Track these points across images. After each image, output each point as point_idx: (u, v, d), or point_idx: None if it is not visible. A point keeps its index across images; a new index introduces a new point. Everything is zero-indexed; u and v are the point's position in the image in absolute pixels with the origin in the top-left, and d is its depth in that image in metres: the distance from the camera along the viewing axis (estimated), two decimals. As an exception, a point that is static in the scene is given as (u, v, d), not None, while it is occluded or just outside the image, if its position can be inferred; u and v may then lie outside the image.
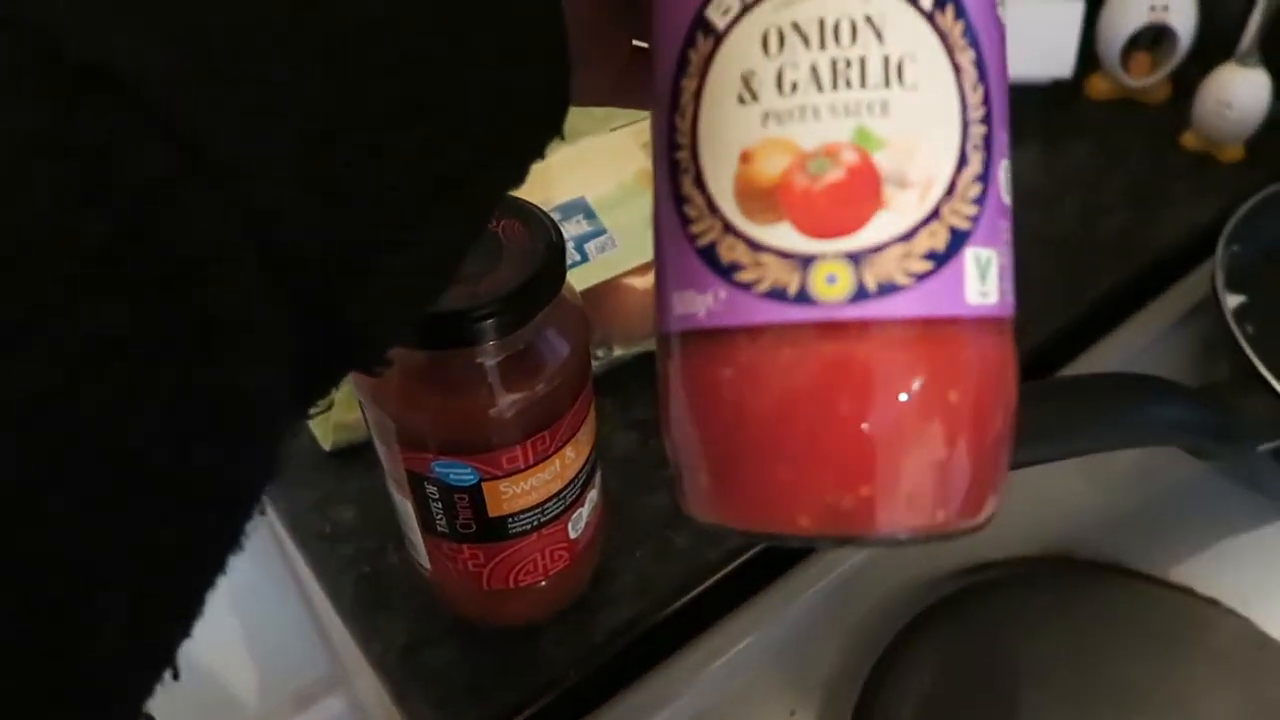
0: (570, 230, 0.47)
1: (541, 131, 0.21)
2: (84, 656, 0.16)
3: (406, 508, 0.36)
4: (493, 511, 0.35)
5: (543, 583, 0.39)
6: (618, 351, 0.50)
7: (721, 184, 0.19)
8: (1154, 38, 0.68)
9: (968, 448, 0.20)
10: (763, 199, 0.19)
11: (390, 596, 0.44)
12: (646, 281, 0.48)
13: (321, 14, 0.16)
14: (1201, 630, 0.42)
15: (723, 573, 0.44)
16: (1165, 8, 0.65)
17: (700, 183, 0.20)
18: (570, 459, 0.36)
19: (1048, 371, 0.53)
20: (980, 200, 0.20)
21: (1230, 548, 0.46)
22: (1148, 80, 0.68)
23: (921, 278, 0.19)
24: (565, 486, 0.36)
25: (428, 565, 0.39)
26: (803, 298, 0.19)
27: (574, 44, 0.21)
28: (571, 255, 0.47)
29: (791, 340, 0.19)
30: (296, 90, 0.16)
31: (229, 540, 0.18)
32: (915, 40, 0.19)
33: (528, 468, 0.34)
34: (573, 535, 0.38)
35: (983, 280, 0.20)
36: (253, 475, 0.18)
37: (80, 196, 0.14)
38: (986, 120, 0.20)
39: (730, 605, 0.44)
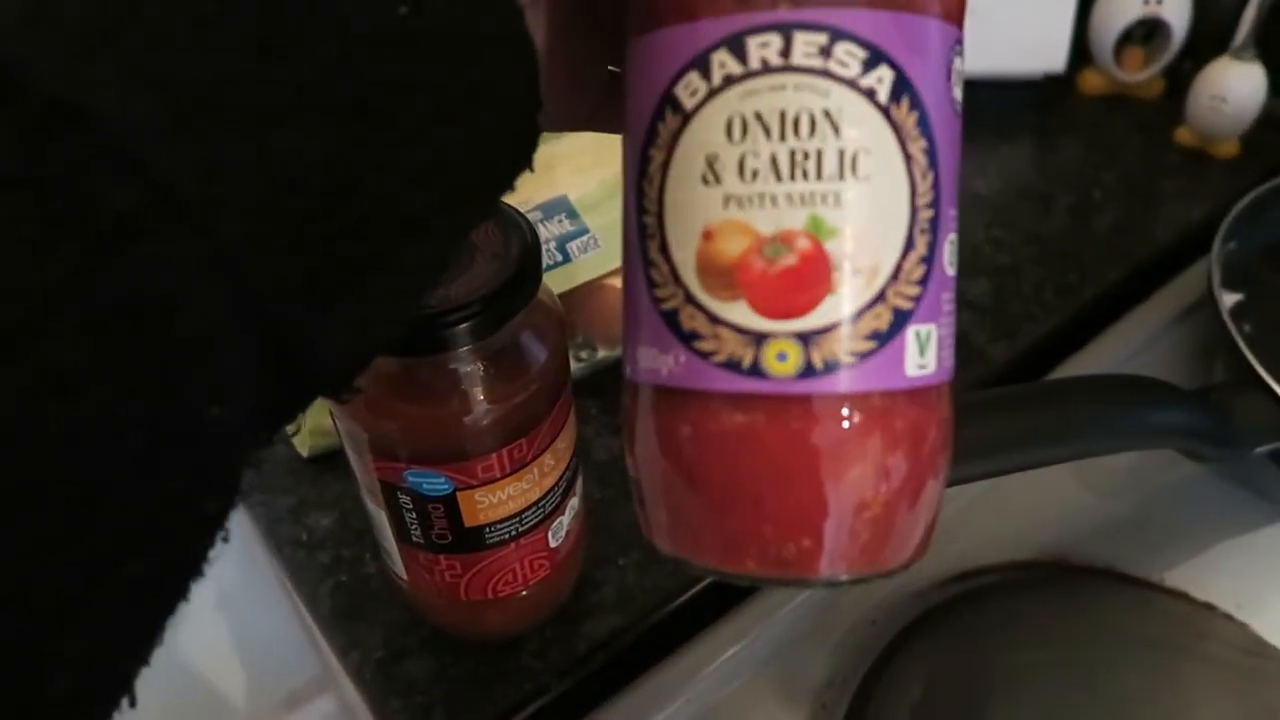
0: (552, 230, 0.46)
1: (511, 169, 0.21)
2: (42, 692, 0.16)
3: (381, 517, 0.35)
4: (469, 521, 0.34)
5: (523, 593, 0.38)
6: (601, 353, 0.49)
7: (685, 256, 0.21)
8: (1147, 32, 0.67)
9: (902, 503, 0.22)
10: (722, 276, 0.20)
11: (368, 606, 0.43)
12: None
13: (290, 59, 0.16)
14: (1197, 636, 0.41)
15: (708, 581, 0.43)
16: (1159, 1, 0.64)
17: (665, 251, 0.21)
18: (549, 466, 0.34)
19: (1041, 373, 0.52)
20: (924, 281, 0.21)
21: (1227, 551, 0.45)
22: (1141, 75, 0.68)
23: (864, 356, 0.20)
24: (545, 495, 0.35)
25: (404, 575, 0.38)
26: (755, 371, 0.20)
27: (549, 75, 0.20)
28: (553, 256, 0.46)
29: (744, 408, 0.21)
30: (264, 132, 0.16)
31: (191, 568, 0.18)
32: (870, 134, 0.20)
33: (504, 476, 0.33)
34: (553, 544, 0.37)
35: (922, 354, 0.22)
36: (217, 506, 0.18)
37: (44, 230, 0.14)
38: (934, 204, 0.21)
39: (716, 615, 0.43)
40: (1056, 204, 0.62)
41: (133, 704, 0.17)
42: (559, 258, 0.46)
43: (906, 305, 0.21)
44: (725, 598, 0.43)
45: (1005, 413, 0.38)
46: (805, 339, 0.20)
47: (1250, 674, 0.40)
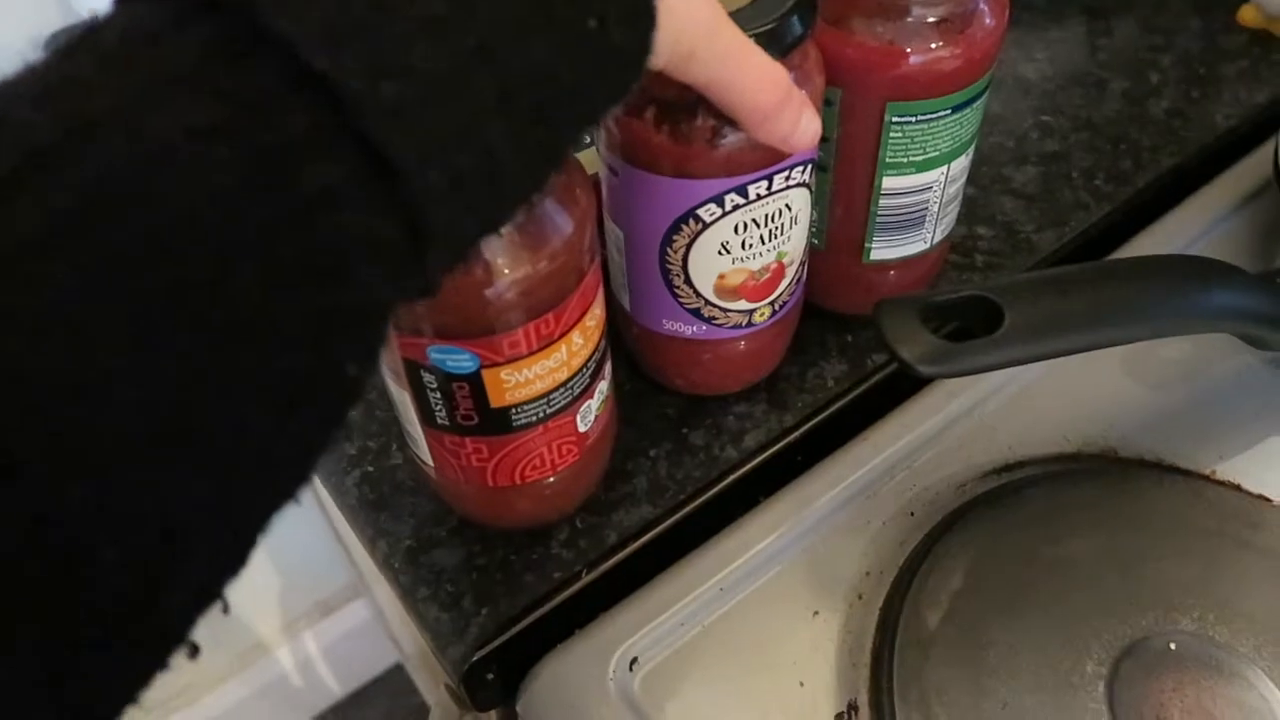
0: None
1: (623, 90, 0.25)
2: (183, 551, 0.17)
3: (405, 399, 0.34)
4: (495, 402, 0.33)
5: (551, 479, 0.37)
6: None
7: (704, 285, 0.38)
8: (1214, -98, 0.63)
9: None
10: (730, 292, 0.38)
11: (395, 496, 0.42)
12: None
13: (478, 17, 0.19)
14: (1250, 526, 0.40)
15: (741, 472, 0.42)
16: None
17: (689, 282, 0.38)
18: (578, 345, 0.33)
19: (1095, 257, 0.50)
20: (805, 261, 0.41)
21: (1278, 444, 0.43)
22: (1205, -50, 0.63)
23: (789, 299, 0.41)
24: (573, 376, 0.34)
25: (430, 462, 0.37)
26: (750, 325, 0.40)
27: None
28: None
29: (745, 340, 0.41)
30: (470, 124, 0.19)
31: (322, 438, 0.20)
32: (803, 203, 0.37)
33: (531, 353, 0.32)
34: (582, 429, 0.36)
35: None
36: (356, 369, 0.19)
37: (259, 177, 0.17)
38: None
39: (749, 505, 0.42)
40: (1110, 89, 0.58)
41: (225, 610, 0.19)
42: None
43: (801, 272, 0.41)
44: (758, 488, 0.42)
45: (1054, 293, 0.36)
46: (773, 304, 0.40)
47: (1307, 565, 0.38)
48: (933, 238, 0.43)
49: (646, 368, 0.44)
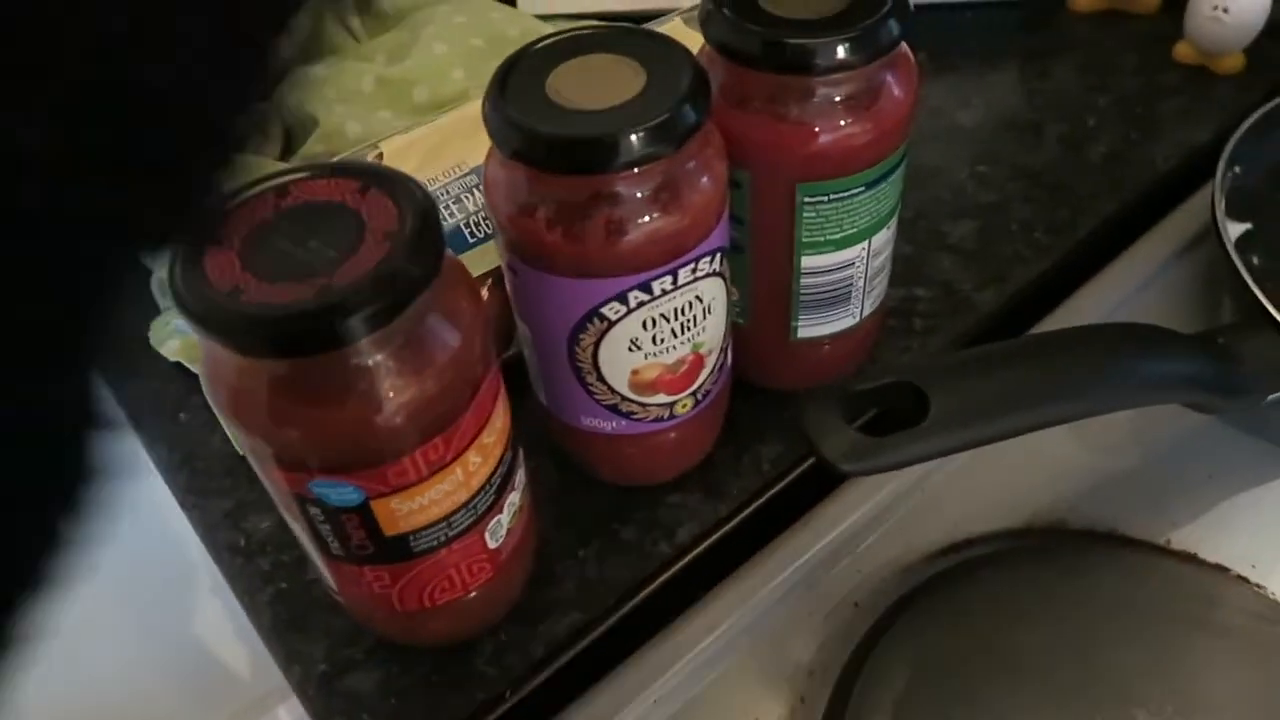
0: (476, 202, 0.42)
1: None
2: None
3: (298, 529, 0.32)
4: (389, 530, 0.31)
5: (467, 597, 0.35)
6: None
7: (619, 382, 0.36)
8: (1140, -60, 0.62)
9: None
10: (647, 387, 0.36)
11: (311, 615, 0.39)
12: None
13: None
14: (1207, 604, 0.38)
15: (676, 568, 0.40)
16: (1151, -95, 0.59)
17: (602, 378, 0.36)
18: (475, 464, 0.31)
19: (1032, 320, 0.48)
20: (729, 346, 0.39)
21: (1239, 507, 0.41)
22: (1135, -12, 0.63)
23: (711, 389, 0.39)
24: (474, 496, 0.32)
25: (335, 588, 0.34)
26: (671, 418, 0.38)
27: None
28: (478, 231, 0.42)
29: (662, 433, 0.39)
30: None
31: None
32: (716, 293, 0.36)
33: (421, 480, 0.30)
34: (492, 545, 0.34)
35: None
36: None
37: None
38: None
39: (687, 602, 0.39)
40: (1046, 133, 0.57)
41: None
42: (487, 231, 0.42)
43: (723, 359, 0.39)
44: (694, 584, 0.40)
45: (986, 375, 0.34)
46: (695, 394, 0.38)
47: (1265, 642, 0.37)
48: (861, 311, 0.41)
49: (574, 461, 0.42)
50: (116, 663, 0.74)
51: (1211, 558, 0.40)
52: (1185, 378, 0.37)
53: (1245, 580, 0.39)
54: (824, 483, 0.43)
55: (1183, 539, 0.40)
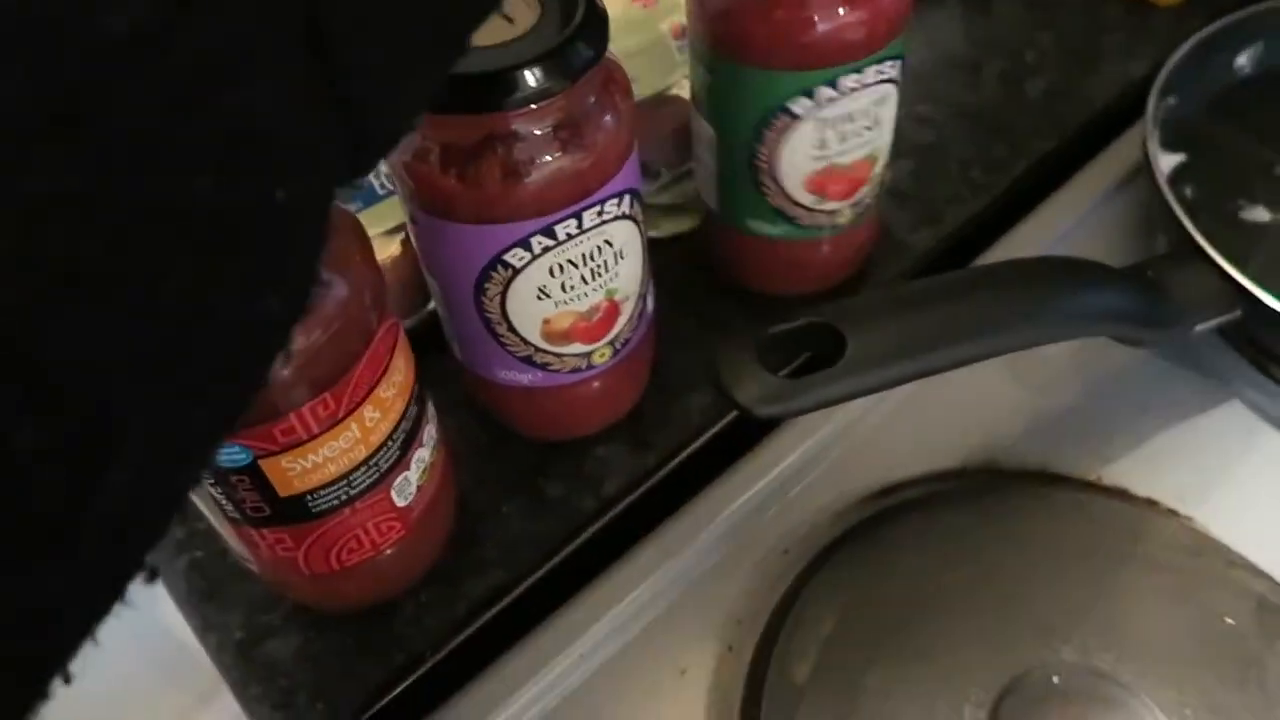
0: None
1: None
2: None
3: (195, 495, 0.31)
4: (284, 491, 0.29)
5: (383, 555, 0.34)
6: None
7: (530, 332, 0.35)
8: None
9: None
10: (560, 336, 0.35)
11: (227, 582, 0.38)
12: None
13: None
14: (1134, 539, 0.37)
15: (602, 522, 0.39)
16: None
17: (513, 329, 0.34)
18: (373, 420, 0.30)
19: (967, 260, 0.48)
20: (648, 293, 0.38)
21: (1170, 441, 0.41)
22: (1075, -81, 0.61)
23: (629, 339, 0.38)
24: (375, 453, 0.31)
25: (243, 554, 0.33)
26: (590, 368, 0.37)
27: None
28: (389, 183, 0.40)
29: (586, 383, 0.38)
30: None
31: (276, 324, 0.16)
32: (628, 237, 0.34)
33: (313, 438, 0.28)
34: (401, 504, 0.33)
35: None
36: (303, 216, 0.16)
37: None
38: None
39: (611, 558, 0.39)
40: (986, 71, 0.56)
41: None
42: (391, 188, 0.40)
43: (641, 306, 0.38)
44: (621, 539, 0.39)
45: (901, 314, 0.33)
46: (613, 343, 0.37)
47: (1190, 575, 0.36)
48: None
49: (495, 417, 0.41)
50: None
51: (1142, 492, 0.39)
52: (1112, 310, 0.36)
53: (1174, 513, 0.38)
54: (754, 432, 0.42)
55: (1114, 475, 0.40)
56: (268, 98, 0.15)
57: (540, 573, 0.38)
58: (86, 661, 0.15)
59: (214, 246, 0.14)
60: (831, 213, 0.40)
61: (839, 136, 0.37)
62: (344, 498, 0.31)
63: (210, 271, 0.14)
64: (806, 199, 0.40)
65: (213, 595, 0.38)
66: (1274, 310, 0.37)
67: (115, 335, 0.13)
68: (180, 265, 0.14)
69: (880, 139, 0.39)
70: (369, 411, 0.30)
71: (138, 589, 0.16)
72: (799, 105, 0.36)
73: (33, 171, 0.12)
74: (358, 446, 0.30)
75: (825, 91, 0.36)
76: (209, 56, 0.14)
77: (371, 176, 0.41)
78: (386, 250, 0.40)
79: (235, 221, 0.15)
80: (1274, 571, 0.36)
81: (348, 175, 0.18)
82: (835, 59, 0.35)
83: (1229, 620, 0.35)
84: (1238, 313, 0.38)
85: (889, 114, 0.39)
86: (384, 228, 0.40)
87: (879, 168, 0.40)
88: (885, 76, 0.37)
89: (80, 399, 0.13)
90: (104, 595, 0.15)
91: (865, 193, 0.41)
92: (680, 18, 0.46)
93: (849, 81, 0.36)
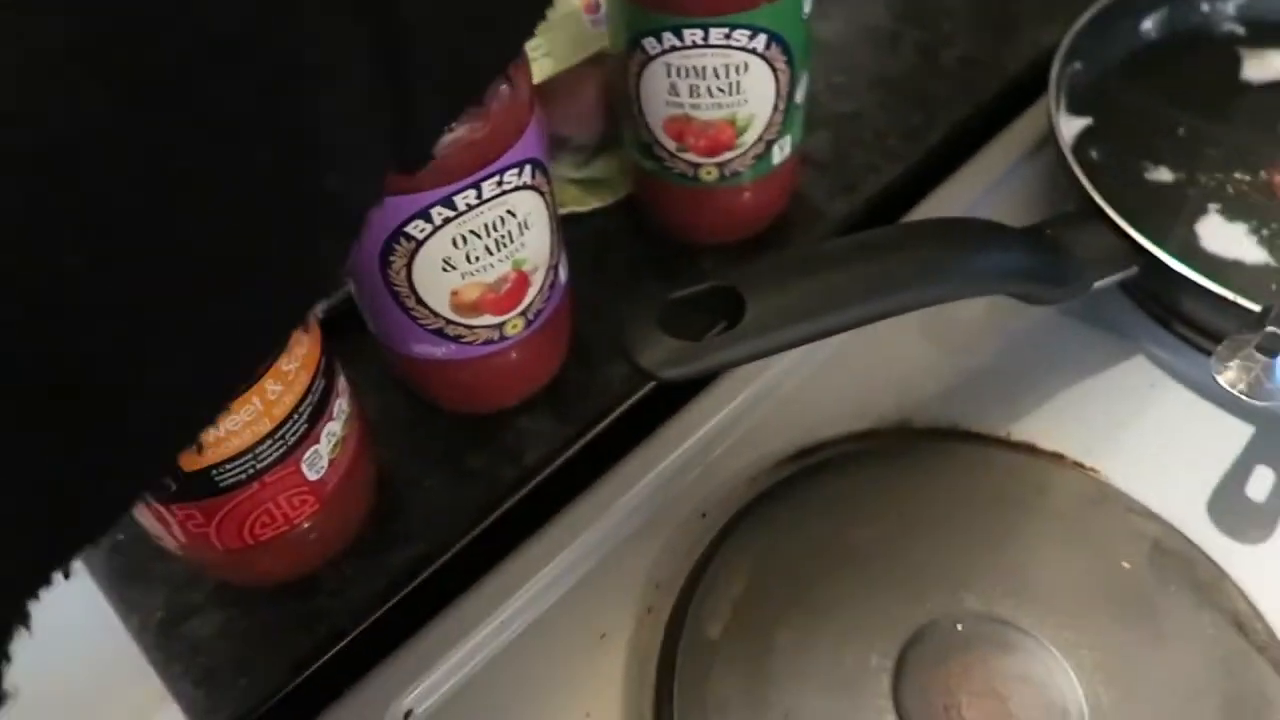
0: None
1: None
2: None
3: (100, 471, 0.31)
4: (189, 465, 0.30)
5: (298, 530, 0.34)
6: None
7: (439, 304, 0.35)
8: None
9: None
10: (470, 308, 0.36)
11: (149, 563, 0.38)
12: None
13: None
14: (1038, 491, 0.38)
15: (523, 492, 0.40)
16: None
17: (421, 301, 0.35)
18: (275, 393, 0.30)
19: (890, 222, 0.48)
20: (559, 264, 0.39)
21: (1077, 395, 0.42)
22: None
23: (541, 309, 0.38)
24: (280, 425, 0.31)
25: (156, 532, 0.34)
26: (503, 339, 0.38)
27: None
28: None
29: (499, 354, 0.38)
30: None
31: (292, 309, 0.19)
32: (533, 207, 0.35)
33: (213, 411, 0.29)
34: (312, 477, 0.33)
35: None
36: (330, 249, 0.19)
37: None
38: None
39: (534, 529, 0.39)
40: (904, 40, 0.57)
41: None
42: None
43: (554, 276, 0.38)
44: (546, 508, 0.40)
45: (807, 275, 0.34)
46: (525, 314, 0.37)
47: (1091, 523, 0.37)
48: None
49: (415, 391, 0.41)
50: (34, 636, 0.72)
51: (1049, 447, 0.40)
52: (1009, 269, 0.37)
53: (1080, 465, 0.40)
54: (674, 400, 0.43)
55: (1022, 430, 0.41)
56: (333, 101, 0.17)
57: (462, 543, 0.38)
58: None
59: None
60: (695, 165, 0.42)
61: (690, 89, 0.39)
62: (251, 471, 0.31)
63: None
64: (668, 142, 0.41)
65: (134, 576, 0.38)
66: (1167, 265, 0.38)
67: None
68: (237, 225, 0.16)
69: (742, 108, 0.40)
70: (270, 384, 0.30)
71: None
72: (650, 44, 0.38)
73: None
74: (261, 419, 0.30)
75: (669, 38, 0.38)
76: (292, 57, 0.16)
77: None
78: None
79: (283, 205, 0.17)
80: (1170, 516, 0.37)
81: (395, 169, 0.20)
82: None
83: (1125, 564, 0.36)
84: (1134, 269, 0.39)
85: (758, 88, 0.40)
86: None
87: (748, 138, 0.41)
88: (740, 44, 0.38)
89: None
90: (149, 469, 0.17)
91: (733, 159, 0.42)
92: (593, -8, 0.46)
93: (694, 35, 0.37)
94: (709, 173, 0.42)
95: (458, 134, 0.31)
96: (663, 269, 0.46)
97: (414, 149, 0.20)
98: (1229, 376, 0.33)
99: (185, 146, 0.15)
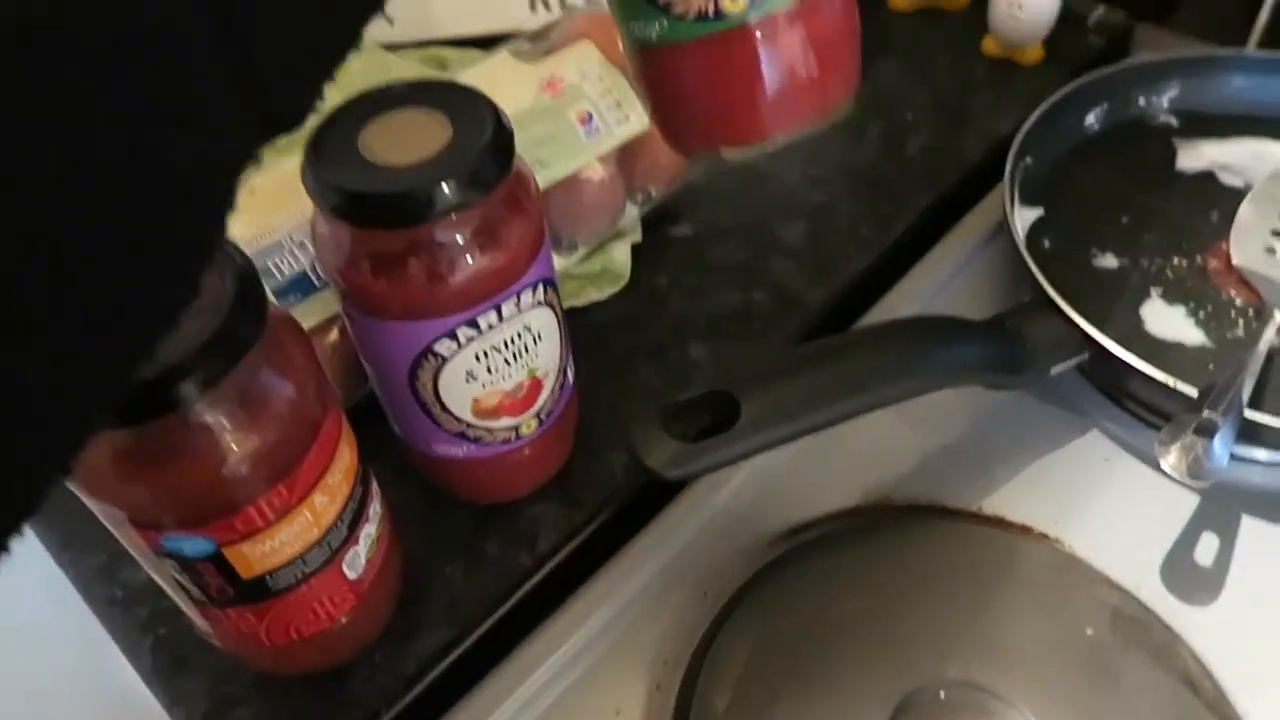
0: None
1: None
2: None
3: (161, 579, 0.34)
4: (246, 574, 0.33)
5: (337, 625, 0.37)
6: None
7: (462, 411, 0.39)
8: (944, -55, 0.66)
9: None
10: (490, 413, 0.39)
11: (192, 656, 0.41)
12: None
13: None
14: (1010, 561, 0.42)
15: (538, 577, 0.43)
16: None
17: (446, 409, 0.38)
18: (322, 504, 0.33)
19: (860, 311, 0.52)
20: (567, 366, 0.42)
21: (1042, 470, 0.46)
22: (945, -14, 0.67)
23: (554, 409, 0.42)
24: (326, 533, 0.34)
25: (207, 630, 0.36)
26: (519, 438, 0.41)
27: None
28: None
29: (514, 451, 0.42)
30: None
31: (177, 275, 0.18)
32: (545, 321, 0.38)
33: (269, 526, 0.32)
34: (352, 576, 0.36)
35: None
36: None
37: None
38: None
39: (548, 609, 0.42)
40: (869, 131, 0.61)
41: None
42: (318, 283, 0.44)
43: (563, 378, 0.42)
44: (560, 591, 0.43)
45: (792, 378, 0.38)
46: (538, 415, 0.41)
47: (1057, 592, 0.41)
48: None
49: (434, 484, 0.44)
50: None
51: (1017, 519, 0.44)
52: (974, 362, 0.41)
53: (1045, 537, 0.43)
54: (672, 486, 0.46)
55: (993, 505, 0.45)
56: (181, 60, 0.16)
57: (484, 627, 0.41)
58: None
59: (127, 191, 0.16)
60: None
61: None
62: (300, 576, 0.34)
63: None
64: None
65: (179, 669, 0.41)
66: (1110, 351, 0.42)
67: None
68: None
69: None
70: (319, 497, 0.33)
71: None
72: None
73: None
74: (310, 529, 0.33)
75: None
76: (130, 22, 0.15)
77: (308, 269, 0.44)
78: (327, 338, 0.44)
79: (149, 173, 0.16)
80: (1126, 583, 0.41)
81: (260, 141, 0.19)
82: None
83: (1089, 630, 0.40)
84: (1085, 355, 0.44)
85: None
86: (322, 317, 0.43)
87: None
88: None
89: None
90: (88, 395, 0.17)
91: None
92: (586, 105, 0.50)
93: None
94: None
95: (480, 264, 0.35)
96: (660, 361, 0.49)
97: (279, 105, 0.19)
98: (1171, 461, 0.37)
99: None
